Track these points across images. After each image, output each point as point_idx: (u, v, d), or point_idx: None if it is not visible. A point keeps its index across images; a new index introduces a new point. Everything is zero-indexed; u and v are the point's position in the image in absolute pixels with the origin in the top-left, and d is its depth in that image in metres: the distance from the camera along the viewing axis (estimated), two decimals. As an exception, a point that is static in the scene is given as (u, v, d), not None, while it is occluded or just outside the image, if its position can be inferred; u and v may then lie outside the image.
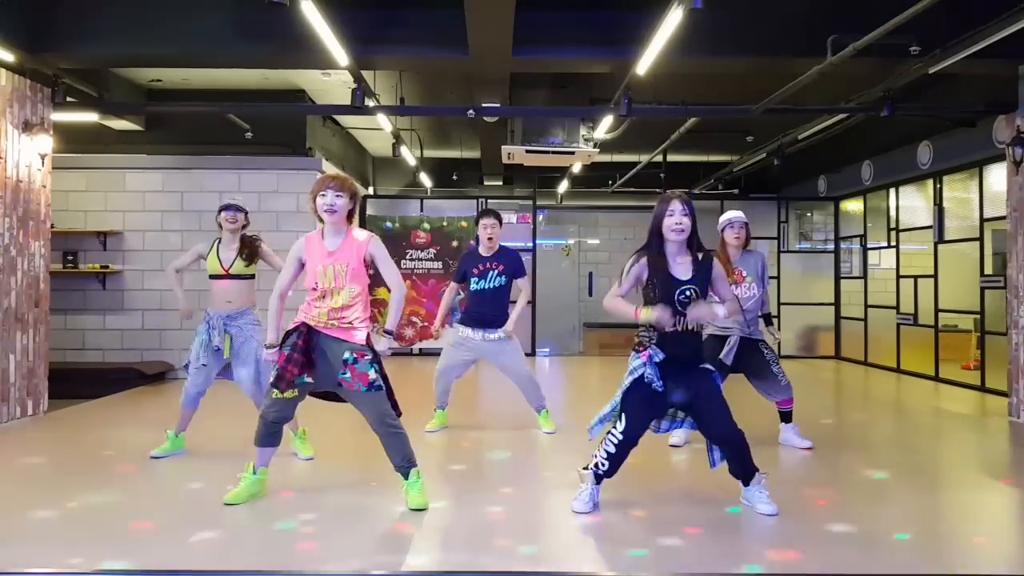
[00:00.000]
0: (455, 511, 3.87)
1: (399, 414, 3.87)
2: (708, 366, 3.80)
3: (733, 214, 5.16)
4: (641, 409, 3.73)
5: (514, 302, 5.69)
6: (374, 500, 3.97)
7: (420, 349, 11.17)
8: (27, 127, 6.28)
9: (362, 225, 11.30)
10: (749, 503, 3.84)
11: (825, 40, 5.72)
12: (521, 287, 5.70)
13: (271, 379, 3.79)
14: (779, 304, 11.49)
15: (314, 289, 3.76)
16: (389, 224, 11.39)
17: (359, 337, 3.77)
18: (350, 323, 3.76)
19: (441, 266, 11.21)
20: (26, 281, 6.33)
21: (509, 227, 11.40)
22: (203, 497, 4.08)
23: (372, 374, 3.73)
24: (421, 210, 11.57)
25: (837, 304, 11.42)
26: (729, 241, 5.10)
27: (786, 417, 5.30)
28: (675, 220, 3.67)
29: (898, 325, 9.56)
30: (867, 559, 3.22)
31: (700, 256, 3.74)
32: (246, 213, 4.97)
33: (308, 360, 3.78)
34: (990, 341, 7.84)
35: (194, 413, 4.94)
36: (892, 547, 3.38)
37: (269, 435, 3.87)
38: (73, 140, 8.35)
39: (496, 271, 5.62)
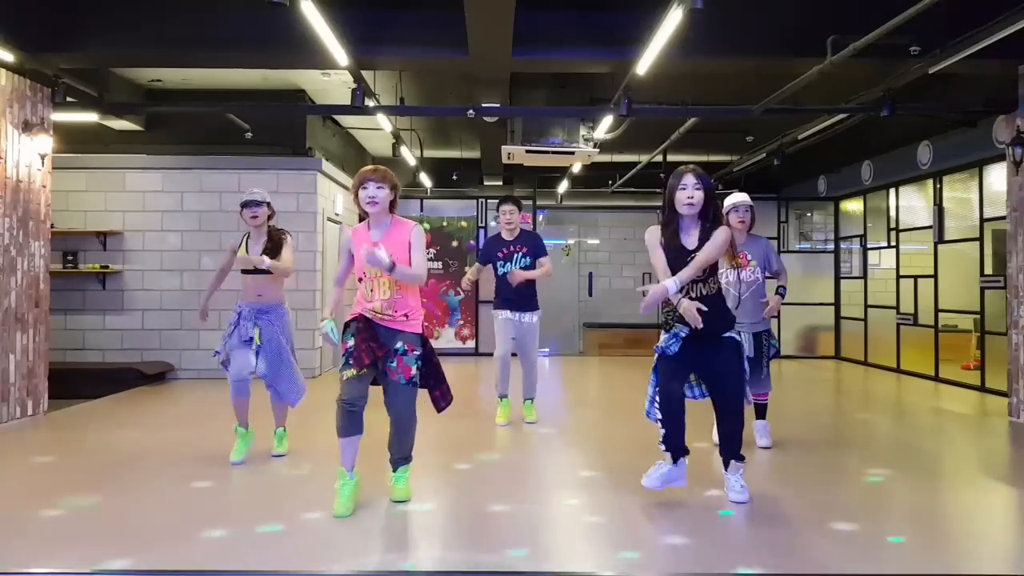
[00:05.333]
0: (455, 510, 3.87)
1: (445, 406, 4.00)
2: (734, 335, 3.89)
3: (738, 198, 5.15)
4: (665, 376, 3.85)
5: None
6: (370, 499, 3.97)
7: (420, 349, 11.15)
8: (27, 127, 6.28)
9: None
10: (727, 486, 3.99)
11: (825, 40, 5.72)
12: (543, 263, 6.06)
13: (342, 363, 3.80)
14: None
15: (361, 280, 3.82)
16: (389, 224, 11.38)
17: (416, 327, 3.86)
18: (405, 316, 3.83)
19: (441, 266, 11.21)
20: (26, 281, 6.33)
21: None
22: (204, 496, 4.08)
23: (414, 369, 3.82)
24: (421, 210, 11.57)
25: (837, 304, 11.42)
26: (734, 225, 5.08)
27: (761, 412, 5.27)
28: (687, 194, 3.76)
29: (898, 325, 9.56)
30: (867, 559, 3.22)
31: (708, 226, 3.81)
32: (269, 204, 4.91)
33: (376, 343, 3.80)
34: (990, 341, 7.84)
35: (246, 403, 4.86)
36: (892, 547, 3.38)
37: (349, 422, 3.78)
38: (73, 140, 8.34)
39: (520, 253, 5.99)
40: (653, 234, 3.88)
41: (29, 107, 6.35)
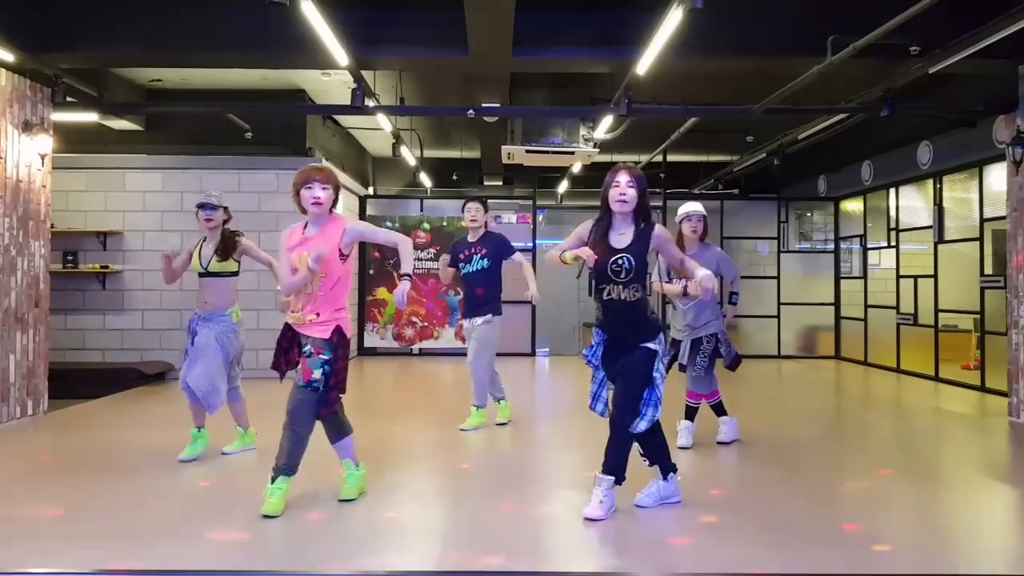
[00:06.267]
0: (455, 510, 3.87)
1: (335, 409, 3.85)
2: (650, 346, 3.74)
3: (691, 207, 5.20)
4: (593, 384, 3.93)
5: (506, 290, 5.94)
6: (369, 500, 3.98)
7: (420, 349, 11.17)
8: (27, 127, 6.28)
9: (362, 225, 11.31)
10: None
11: (825, 40, 5.72)
12: (519, 260, 5.88)
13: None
14: (779, 304, 11.50)
15: (294, 274, 3.82)
16: (389, 224, 11.38)
17: (323, 333, 3.79)
18: (316, 315, 3.79)
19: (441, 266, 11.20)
20: (26, 281, 6.33)
21: (509, 227, 11.40)
22: (203, 497, 4.08)
23: (316, 373, 3.74)
24: (421, 210, 11.57)
25: (837, 304, 11.42)
26: (686, 234, 5.16)
27: (689, 413, 5.29)
28: (619, 191, 3.72)
29: (898, 325, 9.56)
30: (867, 559, 3.22)
31: (642, 226, 3.75)
32: (225, 209, 4.88)
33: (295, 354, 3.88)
34: (990, 341, 7.83)
35: (200, 409, 4.86)
36: (892, 547, 3.38)
37: (328, 430, 3.94)
38: (73, 140, 8.34)
39: (479, 255, 5.82)
40: (585, 226, 3.85)
41: (29, 107, 6.35)
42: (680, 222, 5.20)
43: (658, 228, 3.76)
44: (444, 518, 3.78)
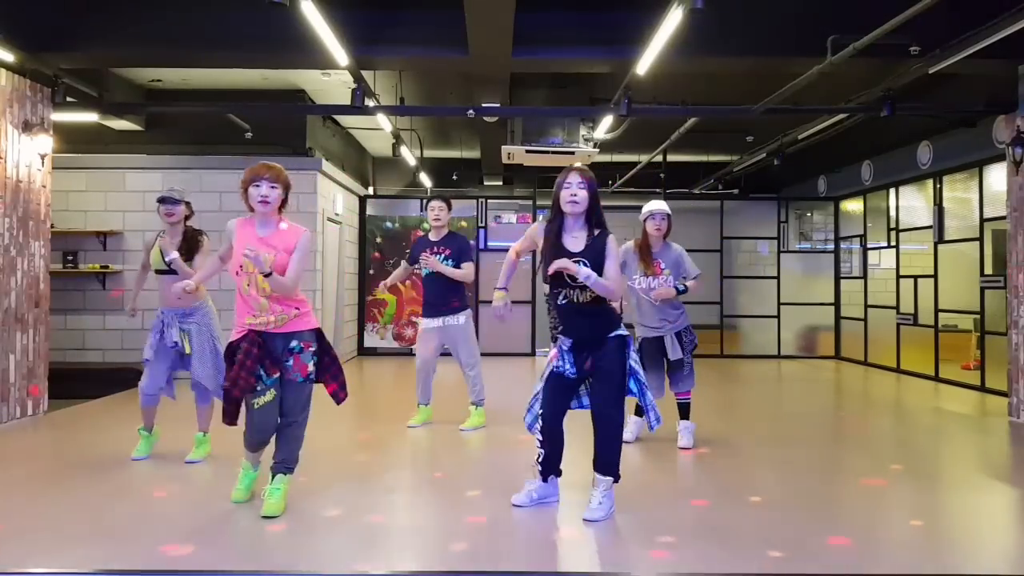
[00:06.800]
0: (454, 511, 3.86)
1: (344, 397, 3.90)
2: (622, 332, 3.73)
3: (655, 206, 5.20)
4: (554, 394, 3.79)
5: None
6: (368, 501, 3.97)
7: (420, 349, 11.16)
8: (27, 127, 6.28)
9: (362, 225, 11.32)
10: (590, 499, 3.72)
11: (825, 40, 5.73)
12: (464, 267, 5.75)
13: (225, 386, 3.74)
14: (779, 304, 11.50)
15: (237, 274, 3.71)
16: (389, 224, 11.38)
17: (309, 324, 3.79)
18: (296, 310, 3.76)
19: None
20: (26, 281, 6.33)
21: (509, 227, 11.41)
22: (201, 497, 4.08)
23: (311, 366, 3.77)
24: (421, 210, 11.55)
25: (837, 304, 11.43)
26: (650, 232, 5.17)
27: (684, 412, 5.27)
28: (571, 192, 3.69)
29: (898, 325, 9.56)
30: (867, 559, 3.22)
31: (597, 232, 3.74)
32: (188, 204, 4.77)
33: (271, 360, 3.72)
34: (990, 341, 7.84)
35: (155, 409, 4.85)
36: (892, 547, 3.38)
37: (261, 444, 3.83)
38: (73, 140, 8.34)
39: (443, 255, 5.74)
40: (538, 228, 3.83)
41: (29, 107, 6.35)
42: (644, 220, 5.19)
43: (611, 239, 3.74)
44: (443, 518, 3.78)
